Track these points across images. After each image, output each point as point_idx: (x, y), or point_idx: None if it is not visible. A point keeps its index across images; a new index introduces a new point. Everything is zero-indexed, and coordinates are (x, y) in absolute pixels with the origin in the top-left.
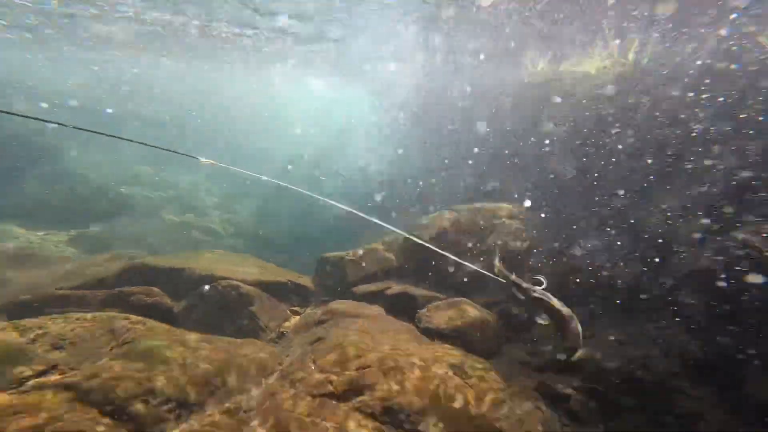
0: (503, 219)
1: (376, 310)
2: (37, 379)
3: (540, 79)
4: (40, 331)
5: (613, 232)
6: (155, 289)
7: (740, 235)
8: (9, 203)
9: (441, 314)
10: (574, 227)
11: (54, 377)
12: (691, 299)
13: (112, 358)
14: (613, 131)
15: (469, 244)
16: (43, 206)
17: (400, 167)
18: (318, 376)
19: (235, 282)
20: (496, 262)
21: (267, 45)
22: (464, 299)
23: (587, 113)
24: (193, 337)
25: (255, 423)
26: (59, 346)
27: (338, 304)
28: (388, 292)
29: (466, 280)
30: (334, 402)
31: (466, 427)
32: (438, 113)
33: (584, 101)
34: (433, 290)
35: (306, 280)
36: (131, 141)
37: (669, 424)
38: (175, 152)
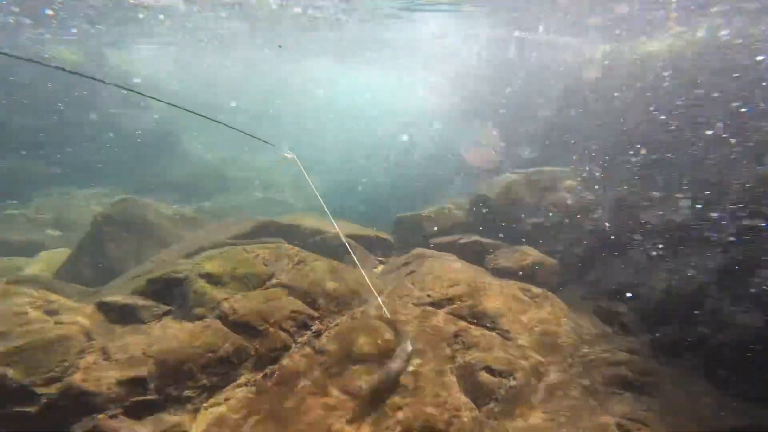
0: (563, 180)
1: (451, 256)
2: (268, 282)
3: (603, 58)
4: (254, 254)
5: (665, 184)
6: (281, 239)
7: None
8: (146, 182)
9: (507, 257)
10: (630, 185)
11: (275, 281)
12: (726, 230)
13: (297, 272)
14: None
15: (529, 200)
16: (170, 185)
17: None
18: (418, 293)
19: (337, 233)
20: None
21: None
22: (527, 246)
23: (643, 89)
24: (335, 263)
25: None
26: (266, 263)
27: (419, 250)
28: (461, 241)
29: (528, 232)
30: (432, 309)
31: (533, 328)
32: (502, 91)
33: (644, 79)
34: (498, 241)
35: (386, 235)
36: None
37: (699, 319)
38: (262, 140)
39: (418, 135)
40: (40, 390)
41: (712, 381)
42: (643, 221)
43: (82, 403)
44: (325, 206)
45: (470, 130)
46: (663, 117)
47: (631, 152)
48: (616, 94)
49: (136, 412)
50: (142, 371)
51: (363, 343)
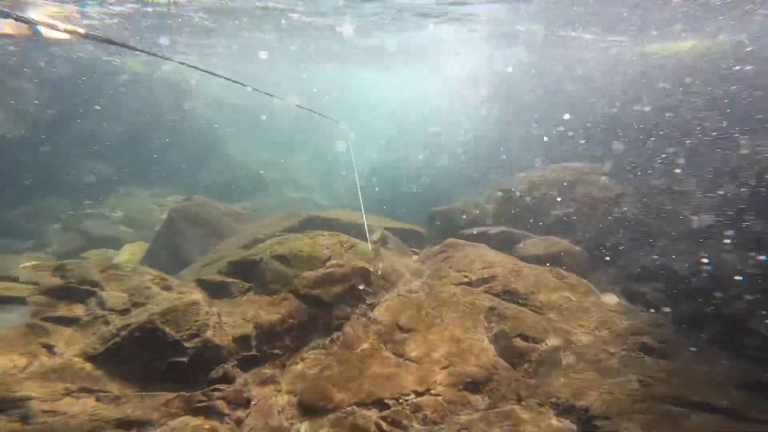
0: (589, 174)
1: (481, 245)
2: (327, 263)
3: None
4: (314, 240)
5: (691, 179)
6: (324, 231)
7: None
8: (194, 183)
9: (535, 245)
10: (655, 177)
11: (333, 262)
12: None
13: (350, 255)
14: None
15: (555, 193)
16: (214, 185)
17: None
18: (455, 274)
19: (374, 226)
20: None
21: None
22: (554, 236)
23: (665, 85)
24: (381, 249)
25: (422, 295)
26: (326, 247)
27: (452, 240)
28: (490, 232)
29: (555, 223)
30: (469, 287)
31: (562, 304)
32: (530, 93)
33: (668, 76)
34: (526, 232)
35: (419, 228)
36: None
37: (718, 297)
38: (323, 116)
39: (452, 135)
40: (186, 344)
41: (729, 350)
42: (667, 210)
43: (215, 355)
44: (361, 201)
45: (500, 130)
46: (691, 112)
47: (657, 146)
48: (643, 90)
49: (245, 365)
50: (248, 331)
51: (407, 316)
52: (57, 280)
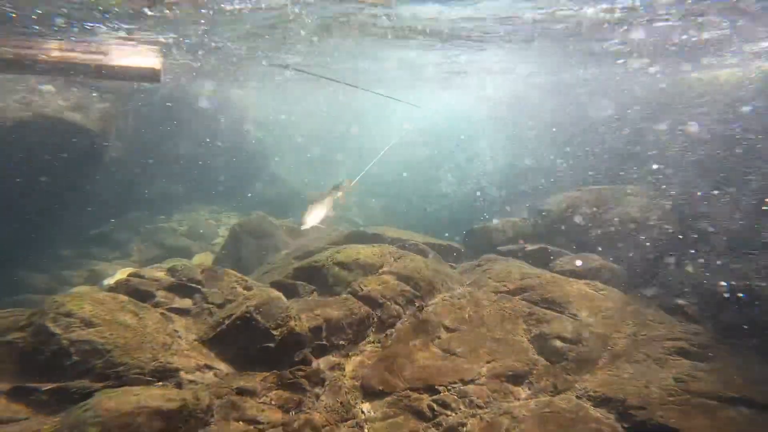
0: (626, 196)
1: (518, 261)
2: (380, 270)
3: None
4: (368, 250)
5: (727, 199)
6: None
7: None
8: (244, 200)
9: (572, 261)
10: (691, 202)
11: (385, 269)
12: None
13: (399, 264)
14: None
15: (593, 213)
16: (261, 202)
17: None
18: (495, 283)
19: (415, 241)
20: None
21: None
22: (591, 254)
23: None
24: (425, 259)
25: (464, 301)
26: (378, 256)
27: (489, 255)
28: (527, 248)
29: (592, 242)
30: (508, 296)
31: (599, 313)
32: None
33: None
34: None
35: (456, 245)
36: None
37: (757, 308)
38: (404, 101)
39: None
40: (274, 332)
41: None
42: (706, 230)
43: (297, 341)
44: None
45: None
46: (729, 132)
47: (694, 166)
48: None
49: (317, 352)
50: (319, 323)
51: (452, 318)
52: (171, 279)
